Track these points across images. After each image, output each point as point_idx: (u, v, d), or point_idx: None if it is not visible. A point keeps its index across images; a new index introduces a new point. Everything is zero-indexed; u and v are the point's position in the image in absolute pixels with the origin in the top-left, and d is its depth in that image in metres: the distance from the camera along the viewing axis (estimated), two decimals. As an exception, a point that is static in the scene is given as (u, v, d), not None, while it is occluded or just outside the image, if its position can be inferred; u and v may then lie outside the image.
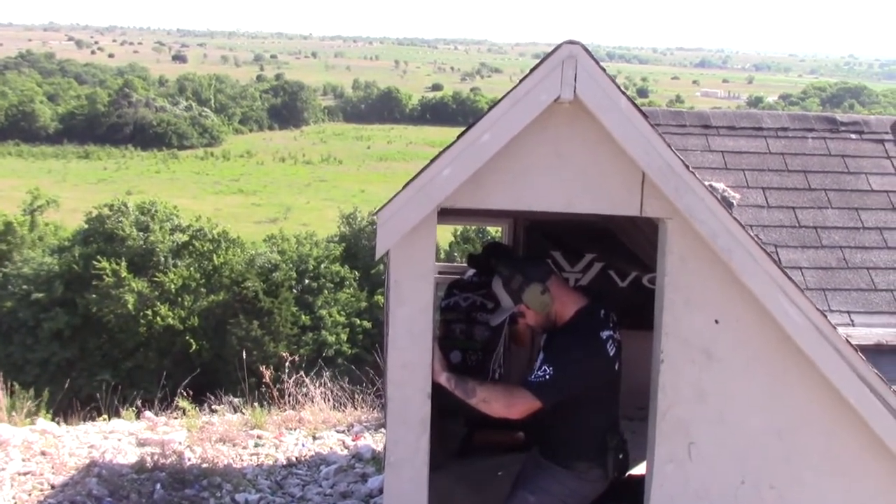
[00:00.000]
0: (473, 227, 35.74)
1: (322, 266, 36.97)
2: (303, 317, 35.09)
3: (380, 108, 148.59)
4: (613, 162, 3.71)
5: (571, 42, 3.55)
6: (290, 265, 36.43)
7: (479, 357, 5.79)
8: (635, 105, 3.60)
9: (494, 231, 32.05)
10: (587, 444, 4.00)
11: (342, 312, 36.25)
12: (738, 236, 3.65)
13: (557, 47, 3.56)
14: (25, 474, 6.17)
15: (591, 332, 3.92)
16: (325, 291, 36.45)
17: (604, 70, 3.58)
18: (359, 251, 39.56)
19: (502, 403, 3.82)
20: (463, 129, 3.70)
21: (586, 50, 3.55)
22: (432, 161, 3.67)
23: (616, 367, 4.00)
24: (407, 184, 3.72)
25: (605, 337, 3.93)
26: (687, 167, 3.61)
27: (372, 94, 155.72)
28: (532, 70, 3.58)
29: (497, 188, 3.75)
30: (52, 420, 7.78)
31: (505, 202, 3.80)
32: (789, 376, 3.88)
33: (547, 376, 3.76)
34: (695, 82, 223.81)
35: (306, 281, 36.38)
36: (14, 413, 7.43)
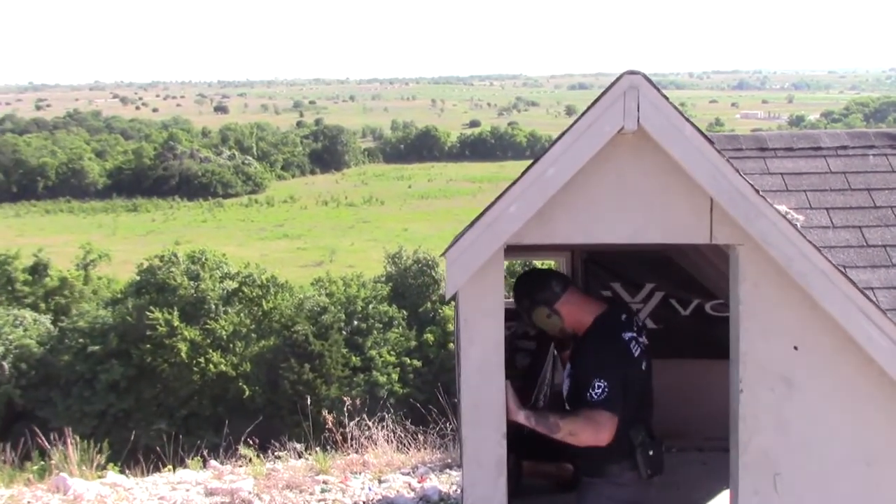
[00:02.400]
0: (518, 261, 35.68)
1: (370, 307, 37.15)
2: (353, 358, 35.24)
3: (419, 147, 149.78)
4: (680, 190, 3.67)
5: (632, 72, 3.53)
6: (339, 307, 36.67)
7: (521, 384, 5.73)
8: (700, 131, 3.56)
9: (540, 263, 31.95)
10: (613, 445, 3.95)
11: (392, 352, 36.31)
12: (813, 260, 3.57)
13: (619, 78, 3.54)
14: (100, 528, 6.23)
15: (612, 334, 4.01)
16: (375, 332, 36.59)
17: (666, 98, 3.55)
18: (405, 290, 39.69)
19: (590, 432, 3.82)
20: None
21: (648, 79, 3.53)
22: (498, 198, 3.66)
23: (643, 368, 4.04)
24: (473, 222, 3.71)
25: (627, 338, 4.00)
26: (757, 192, 3.56)
27: (410, 134, 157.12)
28: (594, 102, 3.56)
29: (563, 222, 3.72)
30: (121, 472, 7.86)
31: (571, 236, 3.77)
32: (874, 402, 3.76)
33: (605, 390, 3.81)
34: (734, 104, 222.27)
35: (355, 322, 36.56)
36: (84, 467, 7.52)
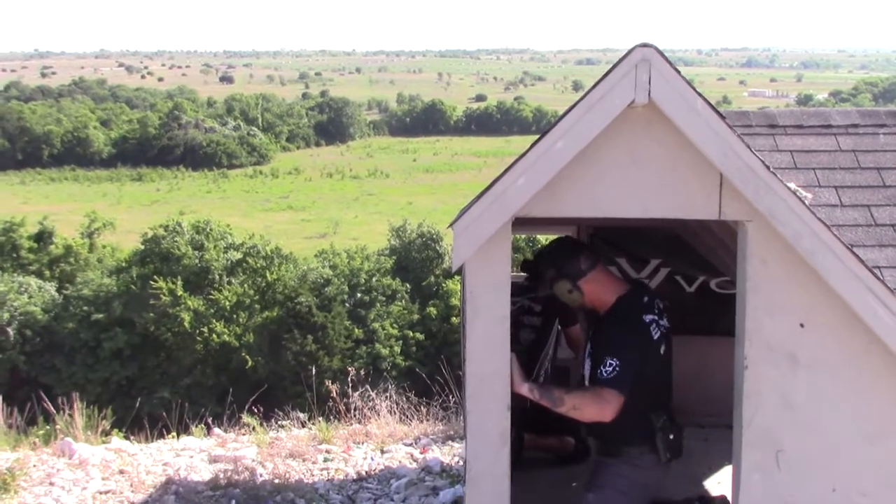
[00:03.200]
0: (523, 236, 35.65)
1: (374, 279, 37.19)
2: (356, 330, 35.33)
3: (424, 120, 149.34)
4: (690, 165, 3.64)
5: (645, 45, 3.50)
6: (342, 279, 36.72)
7: (524, 360, 5.76)
8: (712, 106, 3.54)
9: (544, 238, 31.90)
10: (633, 427, 4.00)
11: (395, 325, 36.40)
12: (823, 237, 3.56)
13: (630, 51, 3.51)
14: (106, 493, 6.28)
15: (634, 315, 4.01)
16: (378, 304, 36.66)
17: (678, 72, 3.52)
18: (409, 263, 39.72)
19: (595, 408, 3.84)
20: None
21: (660, 52, 3.49)
22: (507, 170, 3.64)
23: (662, 351, 4.04)
24: (482, 194, 3.69)
25: (648, 320, 4.01)
26: (767, 168, 3.54)
27: (416, 107, 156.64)
28: (605, 75, 3.53)
29: (572, 196, 3.70)
30: (125, 438, 7.92)
31: (580, 210, 3.76)
32: (879, 380, 3.76)
33: (616, 368, 3.82)
34: (742, 82, 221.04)
35: (358, 295, 36.62)
36: (89, 432, 7.58)
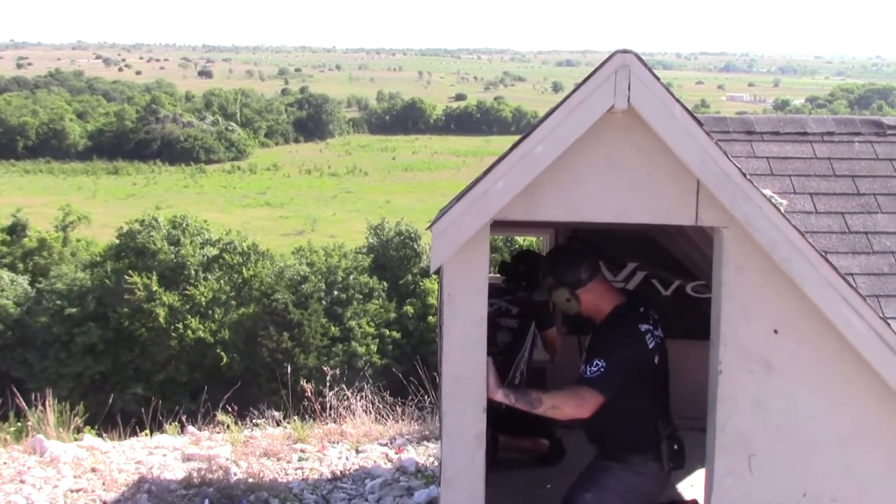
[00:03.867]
0: (501, 237, 35.74)
1: (351, 277, 37.10)
2: (332, 328, 35.23)
3: (404, 118, 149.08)
4: (668, 171, 3.67)
5: (624, 51, 3.52)
6: (319, 277, 36.61)
7: (500, 362, 5.77)
8: (690, 113, 3.56)
9: (522, 239, 31.96)
10: (639, 435, 4.07)
11: (371, 323, 36.34)
12: (797, 245, 3.60)
13: (610, 57, 3.53)
14: (78, 491, 6.22)
15: (629, 324, 4.06)
16: (355, 303, 36.57)
17: (657, 78, 3.54)
18: (387, 262, 39.66)
19: (573, 405, 3.89)
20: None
21: (639, 59, 3.52)
22: (485, 173, 3.64)
23: (656, 361, 4.08)
24: (460, 196, 3.70)
25: (643, 329, 4.05)
26: (744, 175, 3.57)
27: (396, 106, 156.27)
28: (585, 80, 3.55)
29: (550, 199, 3.72)
30: (98, 435, 7.85)
31: (558, 213, 3.77)
32: (851, 386, 3.81)
33: (601, 369, 3.87)
34: (720, 87, 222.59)
35: (335, 292, 36.53)
36: (61, 429, 7.51)
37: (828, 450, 3.86)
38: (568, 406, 3.89)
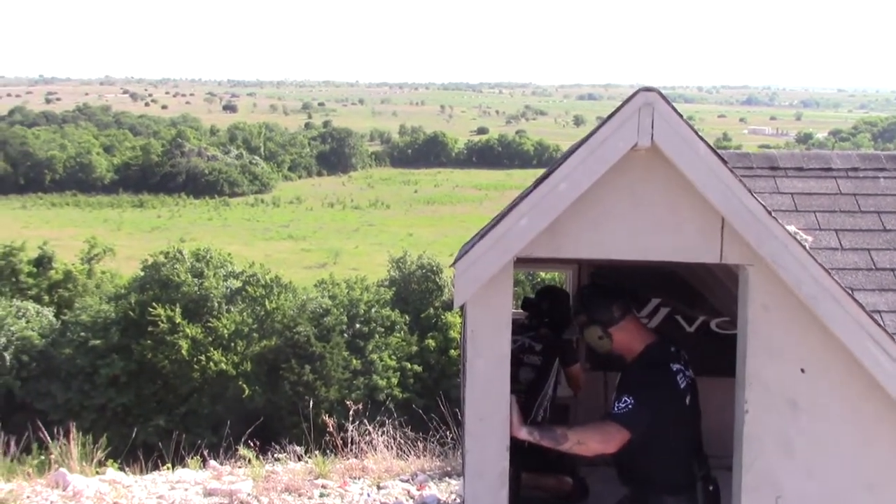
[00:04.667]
0: (523, 272, 35.65)
1: (372, 310, 37.09)
2: (354, 361, 35.18)
3: (426, 152, 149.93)
4: (692, 208, 3.66)
5: (647, 89, 3.53)
6: (341, 310, 36.62)
7: (523, 399, 5.73)
8: (714, 150, 3.56)
9: (545, 274, 31.88)
10: (674, 476, 4.01)
11: (393, 356, 36.27)
12: (823, 282, 3.57)
13: (633, 95, 3.54)
14: (98, 525, 6.22)
15: (661, 363, 3.99)
16: (376, 336, 36.54)
17: (681, 116, 3.55)
18: (409, 295, 39.65)
19: (598, 441, 3.84)
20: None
21: (663, 96, 3.53)
22: (509, 210, 3.65)
23: (688, 401, 4.02)
24: (484, 233, 3.70)
25: (675, 369, 3.98)
26: (769, 213, 3.55)
27: (418, 139, 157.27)
28: (608, 117, 3.57)
29: (573, 237, 3.72)
30: (120, 469, 7.85)
31: (581, 251, 3.77)
32: (880, 426, 3.76)
33: (629, 406, 3.82)
34: (742, 120, 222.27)
35: (357, 325, 36.51)
36: (84, 462, 7.52)
37: (856, 493, 3.79)
38: (593, 441, 3.85)
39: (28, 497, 6.69)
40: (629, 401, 3.83)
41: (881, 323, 4.90)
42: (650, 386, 3.91)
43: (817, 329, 3.67)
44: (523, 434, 3.83)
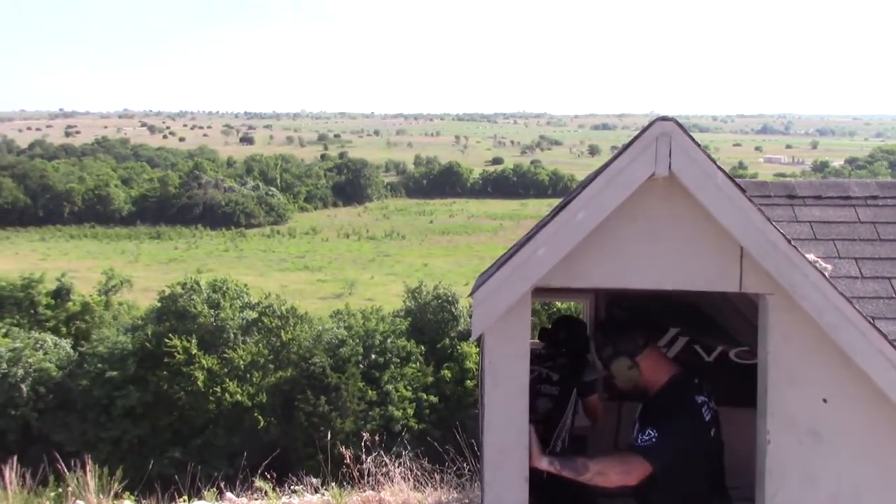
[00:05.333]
0: (540, 302, 35.47)
1: (388, 341, 37.03)
2: (369, 392, 35.06)
3: (441, 182, 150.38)
4: (710, 237, 3.65)
5: (664, 119, 3.54)
6: (357, 340, 36.58)
7: (541, 429, 5.68)
8: (732, 180, 3.56)
9: (561, 304, 31.74)
10: None
11: (409, 387, 36.12)
12: (845, 312, 3.54)
13: (651, 124, 3.55)
14: (115, 558, 6.19)
15: (686, 395, 3.92)
16: (392, 366, 36.43)
17: (698, 145, 3.55)
18: (424, 325, 39.55)
19: (619, 472, 3.79)
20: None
21: (680, 126, 3.53)
22: (526, 239, 3.65)
23: (712, 434, 3.95)
24: (501, 262, 3.70)
25: (699, 402, 3.91)
26: (789, 242, 3.54)
27: (433, 170, 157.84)
28: (625, 147, 3.57)
29: (591, 266, 3.71)
30: (136, 501, 7.83)
31: (599, 280, 3.76)
32: (905, 457, 3.70)
33: (653, 439, 3.76)
34: (757, 149, 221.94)
35: (373, 356, 36.43)
36: (101, 495, 7.50)
37: (882, 524, 3.73)
38: (614, 473, 3.79)
39: (45, 529, 6.67)
40: (653, 434, 3.77)
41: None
42: (675, 419, 3.85)
43: (839, 358, 3.64)
44: (544, 464, 3.79)
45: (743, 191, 3.54)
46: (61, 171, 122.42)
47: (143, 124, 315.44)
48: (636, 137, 3.56)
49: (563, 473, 3.82)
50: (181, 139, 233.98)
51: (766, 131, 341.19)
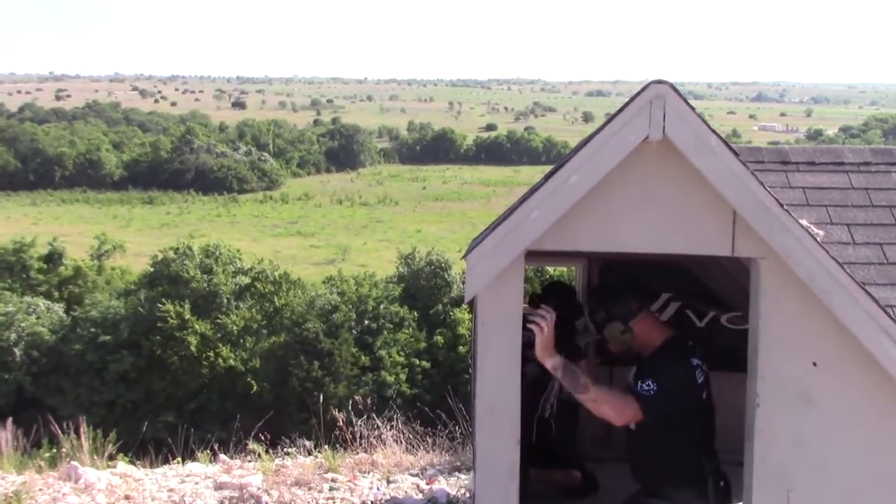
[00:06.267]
0: (531, 268, 35.54)
1: (381, 307, 37.13)
2: (362, 357, 35.22)
3: (435, 148, 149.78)
4: (704, 201, 3.65)
5: (659, 82, 3.52)
6: (350, 306, 36.67)
7: (529, 394, 5.72)
8: (726, 143, 3.55)
9: (553, 270, 31.82)
10: (684, 471, 4.01)
11: (401, 353, 36.29)
12: (837, 276, 3.55)
13: (645, 87, 3.53)
14: (110, 518, 6.24)
15: (683, 356, 4.01)
16: (385, 332, 36.57)
17: (693, 109, 3.54)
18: (417, 291, 39.66)
19: (613, 408, 3.87)
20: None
21: (674, 89, 3.51)
22: (520, 203, 3.65)
23: (704, 396, 4.03)
24: (494, 226, 3.70)
25: (694, 364, 4.00)
26: (781, 206, 3.54)
27: (427, 136, 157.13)
28: (620, 110, 3.55)
29: (584, 229, 3.71)
30: (131, 463, 7.88)
31: (592, 244, 3.76)
32: (893, 420, 3.74)
33: (652, 391, 3.84)
34: (752, 116, 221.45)
35: (366, 322, 36.55)
36: (95, 456, 7.55)
37: (870, 486, 3.78)
38: (607, 406, 3.87)
39: (40, 489, 6.72)
40: (652, 385, 3.84)
41: (894, 317, 4.90)
42: (673, 377, 3.92)
43: (829, 323, 3.66)
44: (549, 363, 3.84)
45: (736, 154, 3.54)
46: (52, 135, 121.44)
47: (135, 88, 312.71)
48: (630, 100, 3.55)
49: (562, 380, 3.89)
50: (173, 103, 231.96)
51: (760, 99, 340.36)
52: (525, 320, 5.79)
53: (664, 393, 3.83)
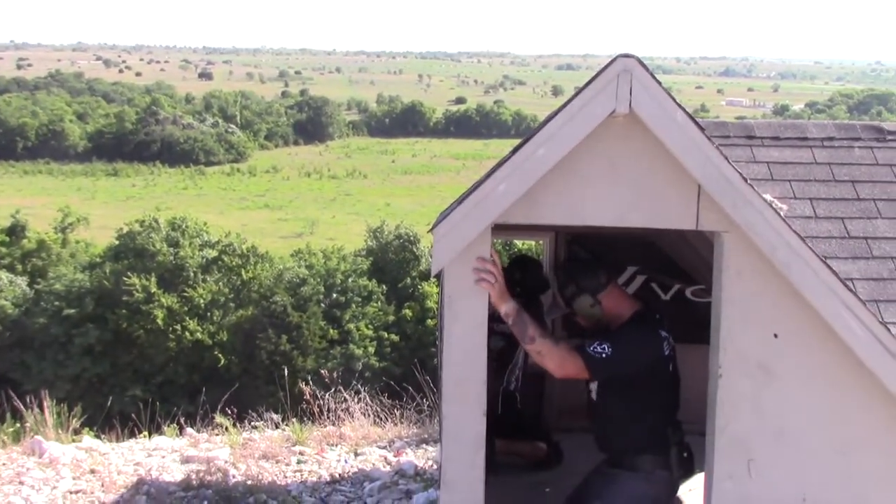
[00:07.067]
0: (499, 241, 35.65)
1: (350, 280, 37.07)
2: (331, 331, 35.19)
3: (404, 121, 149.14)
4: (669, 175, 3.67)
5: (626, 55, 3.52)
6: (318, 279, 36.56)
7: (494, 367, 5.77)
8: (692, 117, 3.57)
9: (521, 244, 31.95)
10: (648, 440, 4.06)
11: (370, 326, 36.31)
12: (797, 250, 3.60)
13: (612, 61, 3.53)
14: (77, 492, 6.22)
15: (649, 327, 4.05)
16: (353, 305, 36.53)
17: (659, 83, 3.55)
18: (386, 265, 39.62)
19: (556, 361, 3.88)
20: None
21: (641, 63, 3.52)
22: (487, 176, 3.65)
23: (671, 368, 4.08)
24: (462, 199, 3.70)
25: (662, 336, 4.04)
26: (745, 180, 3.58)
27: (396, 109, 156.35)
28: (587, 84, 3.56)
29: (550, 203, 3.72)
30: (97, 437, 7.84)
31: (559, 217, 3.77)
32: (851, 391, 3.81)
33: (604, 354, 3.86)
34: (719, 91, 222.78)
35: (334, 295, 36.48)
36: (59, 430, 7.50)
37: (828, 455, 3.85)
38: (550, 359, 3.88)
39: (3, 464, 6.68)
40: (607, 349, 3.87)
41: (854, 290, 4.98)
42: (633, 343, 3.97)
43: (791, 295, 3.71)
44: (503, 308, 3.83)
45: (702, 129, 3.57)
46: (13, 105, 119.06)
47: (98, 58, 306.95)
48: (598, 74, 3.55)
49: (512, 328, 3.90)
50: (137, 74, 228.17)
51: (728, 74, 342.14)
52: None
53: (616, 357, 3.85)
